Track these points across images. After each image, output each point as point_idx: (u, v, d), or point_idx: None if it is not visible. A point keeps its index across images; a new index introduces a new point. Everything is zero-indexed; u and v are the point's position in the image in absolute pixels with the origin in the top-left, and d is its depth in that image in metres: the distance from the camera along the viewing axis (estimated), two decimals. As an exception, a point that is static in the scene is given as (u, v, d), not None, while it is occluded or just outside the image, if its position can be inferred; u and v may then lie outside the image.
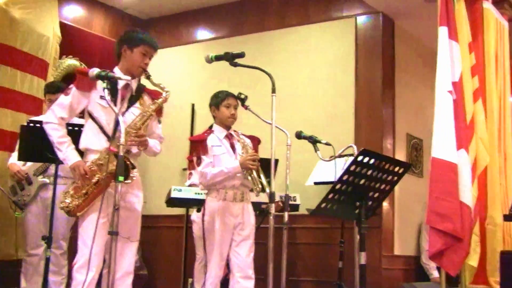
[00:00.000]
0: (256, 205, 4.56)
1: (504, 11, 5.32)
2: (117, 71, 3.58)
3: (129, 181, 3.34)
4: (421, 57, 6.49)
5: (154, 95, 3.70)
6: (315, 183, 5.38)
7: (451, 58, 4.00)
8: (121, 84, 3.52)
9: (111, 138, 3.46)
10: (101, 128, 3.51)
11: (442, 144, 3.76)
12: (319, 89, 6.22)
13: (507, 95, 4.85)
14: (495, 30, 4.65)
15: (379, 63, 5.99)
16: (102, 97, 3.46)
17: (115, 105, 3.43)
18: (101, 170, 3.41)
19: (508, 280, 3.64)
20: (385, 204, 5.72)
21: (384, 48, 6.03)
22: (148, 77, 3.62)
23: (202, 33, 7.25)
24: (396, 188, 5.82)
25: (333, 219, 5.34)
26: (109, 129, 3.50)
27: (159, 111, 3.72)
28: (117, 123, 3.39)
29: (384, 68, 5.99)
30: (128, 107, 3.59)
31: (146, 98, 3.72)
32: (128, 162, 3.34)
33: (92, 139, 3.53)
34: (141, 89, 3.69)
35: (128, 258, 3.55)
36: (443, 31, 4.01)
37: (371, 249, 5.52)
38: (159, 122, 3.84)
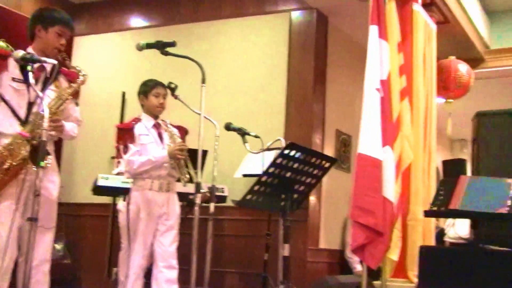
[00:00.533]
0: (183, 196, 4.54)
1: (433, 14, 5.48)
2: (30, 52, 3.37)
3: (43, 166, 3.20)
4: (353, 54, 6.59)
5: (71, 77, 3.56)
6: (244, 175, 5.40)
7: (380, 56, 4.07)
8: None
9: (24, 122, 3.32)
10: (13, 111, 3.35)
11: (368, 141, 3.82)
12: (251, 82, 6.25)
13: (433, 96, 4.98)
14: (423, 32, 4.77)
15: (312, 59, 6.05)
16: (14, 79, 3.32)
17: (29, 88, 3.28)
18: (13, 155, 3.25)
19: (425, 273, 3.73)
20: (312, 198, 5.80)
21: (317, 44, 6.10)
22: (64, 59, 3.49)
23: (135, 21, 7.14)
24: (324, 182, 5.96)
25: (260, 211, 5.37)
26: (22, 113, 3.34)
27: (75, 94, 3.58)
28: (30, 107, 3.27)
29: (316, 64, 6.06)
30: (42, 89, 3.37)
31: (62, 80, 3.57)
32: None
33: (4, 122, 3.36)
34: (56, 71, 3.46)
35: (44, 245, 3.43)
36: (373, 30, 4.08)
37: (296, 242, 5.60)
38: (77, 104, 3.70)
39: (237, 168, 5.54)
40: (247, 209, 5.56)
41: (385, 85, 4.00)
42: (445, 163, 7.27)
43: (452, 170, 5.97)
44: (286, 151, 3.08)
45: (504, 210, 3.25)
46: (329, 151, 6.13)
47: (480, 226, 3.47)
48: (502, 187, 3.37)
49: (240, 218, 5.96)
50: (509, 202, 3.27)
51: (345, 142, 6.48)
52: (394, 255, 4.08)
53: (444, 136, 8.81)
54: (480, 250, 3.53)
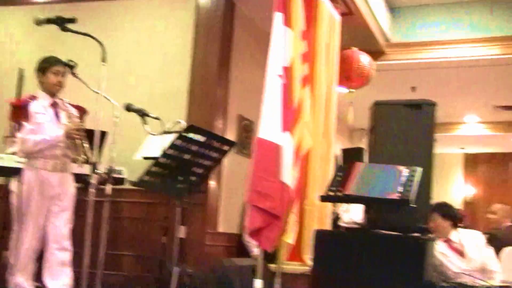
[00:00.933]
0: (79, 177, 4.43)
1: (337, 5, 5.60)
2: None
3: None
4: (258, 41, 6.62)
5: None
6: (144, 158, 5.32)
7: (283, 43, 4.12)
8: None
9: None
10: None
11: (268, 126, 3.86)
12: (155, 64, 6.17)
13: (334, 85, 5.10)
14: (327, 22, 4.87)
15: (217, 44, 6.03)
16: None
17: None
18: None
19: (319, 256, 3.83)
20: (212, 183, 5.80)
21: (223, 29, 6.08)
22: None
23: (36, -4, 6.88)
24: (224, 167, 5.97)
25: (159, 194, 5.32)
26: None
27: None
28: None
29: (222, 49, 6.05)
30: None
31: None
32: None
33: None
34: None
35: None
36: (278, 17, 4.11)
37: (195, 226, 5.59)
38: None
39: (137, 150, 5.46)
40: (146, 192, 5.49)
41: (287, 71, 4.05)
42: (345, 151, 7.47)
43: (350, 158, 6.14)
44: (185, 133, 3.06)
45: (395, 196, 3.38)
46: (231, 136, 6.15)
47: (372, 211, 3.58)
48: (394, 174, 3.50)
49: (139, 201, 5.89)
50: (400, 188, 3.40)
51: (247, 128, 6.52)
52: (290, 238, 4.16)
53: (344, 125, 9.06)
54: (371, 234, 3.66)
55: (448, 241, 4.95)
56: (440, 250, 4.77)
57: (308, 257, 4.37)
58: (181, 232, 3.31)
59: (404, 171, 3.51)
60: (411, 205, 3.34)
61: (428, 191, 3.91)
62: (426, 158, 3.87)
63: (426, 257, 3.79)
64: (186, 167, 3.18)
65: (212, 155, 3.27)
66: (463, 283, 4.30)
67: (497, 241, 6.05)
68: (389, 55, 7.68)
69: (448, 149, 15.07)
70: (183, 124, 4.29)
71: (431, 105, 3.95)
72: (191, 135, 3.05)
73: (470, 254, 4.88)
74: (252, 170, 3.87)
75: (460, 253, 4.90)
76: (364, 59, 6.26)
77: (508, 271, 5.23)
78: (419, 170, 3.51)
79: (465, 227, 5.56)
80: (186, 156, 3.11)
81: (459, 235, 4.97)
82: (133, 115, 4.55)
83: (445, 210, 5.04)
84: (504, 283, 4.37)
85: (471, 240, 4.98)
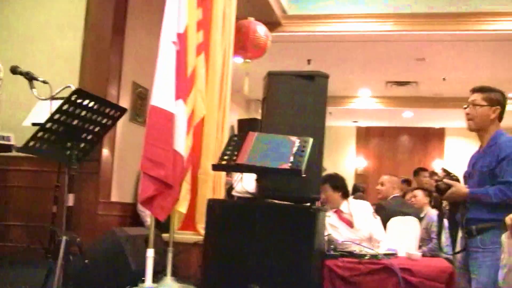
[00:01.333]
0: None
1: (234, -26, 5.56)
2: None
3: None
4: (154, 8, 6.46)
5: None
6: (33, 124, 5.11)
7: (178, 10, 4.04)
8: None
9: None
10: None
11: (161, 93, 3.81)
12: (45, 26, 5.91)
13: (230, 54, 5.08)
14: (224, -10, 4.82)
15: (111, 9, 5.83)
16: None
17: None
18: None
19: (211, 225, 3.85)
20: (105, 151, 5.67)
21: (118, -6, 5.91)
22: None
23: None
24: (118, 135, 5.85)
25: (49, 162, 5.15)
26: None
27: None
28: None
29: (116, 14, 5.86)
30: None
31: None
32: None
33: None
34: None
35: None
36: (173, -17, 4.04)
37: (87, 195, 5.47)
38: None
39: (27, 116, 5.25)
40: (36, 159, 5.31)
41: (182, 38, 3.99)
42: (240, 122, 7.50)
43: (246, 128, 6.17)
44: (73, 97, 2.95)
45: (287, 166, 3.42)
46: (125, 103, 6.01)
47: (264, 181, 3.62)
48: (286, 144, 3.54)
49: (28, 169, 5.67)
50: (291, 158, 3.44)
51: (141, 96, 6.39)
52: (182, 207, 4.14)
53: (241, 95, 9.09)
54: (263, 204, 3.70)
55: (338, 212, 5.09)
56: (329, 221, 4.91)
57: (201, 226, 4.37)
58: (70, 200, 3.21)
59: (296, 141, 3.55)
60: (302, 175, 3.39)
61: (319, 162, 3.99)
62: (318, 129, 3.95)
63: (316, 226, 3.89)
64: (75, 133, 3.07)
65: (102, 121, 3.17)
66: (351, 251, 4.44)
67: (384, 211, 6.30)
68: (285, 27, 7.74)
69: (342, 122, 15.51)
70: (73, 88, 4.13)
71: (324, 77, 4.01)
72: (79, 100, 2.95)
73: (358, 224, 5.05)
74: (145, 138, 3.81)
75: (349, 223, 5.06)
76: (261, 29, 6.26)
77: (393, 240, 5.46)
78: (310, 140, 3.56)
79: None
80: (75, 122, 3.01)
81: (349, 205, 5.13)
82: (21, 81, 4.35)
83: (336, 182, 5.17)
84: (389, 251, 4.55)
85: (360, 210, 5.15)
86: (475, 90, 3.90)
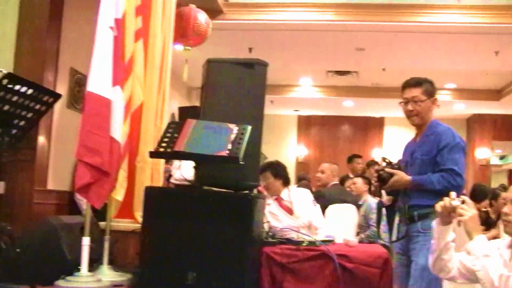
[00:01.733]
0: None
1: (175, -40, 5.49)
2: None
3: None
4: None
5: None
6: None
7: (116, -5, 3.98)
8: None
9: None
10: None
11: (98, 79, 3.74)
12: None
13: (170, 41, 5.03)
14: (164, -25, 4.76)
15: (47, -9, 5.71)
16: None
17: None
18: None
19: (149, 213, 3.81)
20: (41, 138, 5.55)
21: (54, -23, 5.76)
22: None
23: None
24: (55, 122, 5.73)
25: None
26: None
27: None
28: None
29: (54, -3, 5.74)
30: None
31: None
32: None
33: None
34: None
35: None
36: (111, -33, 3.96)
37: (23, 183, 5.35)
38: None
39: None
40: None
41: (120, 24, 3.92)
42: (181, 109, 7.47)
43: (187, 116, 6.13)
44: (4, 82, 2.88)
45: (224, 153, 3.42)
46: (62, 89, 5.89)
47: (202, 168, 3.61)
48: (224, 132, 3.54)
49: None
50: (229, 146, 3.45)
51: (79, 82, 6.27)
52: (119, 195, 4.10)
53: (183, 83, 9.03)
54: (200, 191, 3.69)
55: (278, 199, 5.13)
56: (269, 209, 4.94)
57: (139, 214, 4.33)
58: (1, 188, 3.13)
59: (235, 129, 3.56)
60: (240, 162, 3.40)
61: (257, 149, 4.00)
62: (257, 117, 3.95)
63: (255, 213, 3.91)
64: (5, 119, 2.99)
65: (35, 107, 3.10)
66: (289, 238, 4.48)
67: (323, 199, 6.38)
68: (227, 15, 7.72)
69: (283, 111, 15.60)
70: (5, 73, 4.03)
71: (263, 65, 4.02)
72: (10, 85, 2.87)
73: (298, 211, 5.10)
74: (81, 125, 3.75)
75: (289, 211, 5.11)
76: (201, 17, 6.22)
77: (332, 227, 5.54)
78: (249, 128, 3.57)
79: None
80: (6, 107, 2.93)
81: (289, 193, 5.17)
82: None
83: (277, 170, 5.21)
84: (326, 238, 4.61)
85: (300, 198, 5.21)
86: (410, 85, 3.97)
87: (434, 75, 4.11)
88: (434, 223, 3.01)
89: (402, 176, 3.86)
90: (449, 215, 2.91)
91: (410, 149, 4.06)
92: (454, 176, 3.73)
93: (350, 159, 9.21)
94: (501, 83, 12.75)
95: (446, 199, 2.91)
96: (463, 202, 2.85)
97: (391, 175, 3.87)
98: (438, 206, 2.94)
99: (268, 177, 5.14)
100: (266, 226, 4.68)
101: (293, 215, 5.08)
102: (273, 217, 4.99)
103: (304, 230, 4.81)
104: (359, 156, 9.29)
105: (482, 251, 2.77)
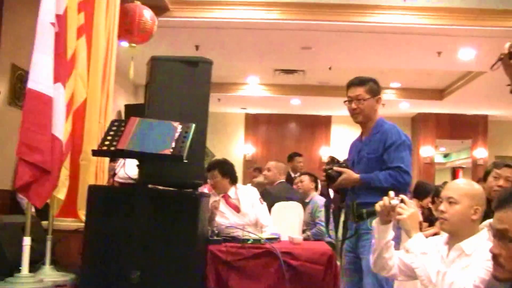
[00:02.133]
0: None
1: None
2: None
3: None
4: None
5: None
6: None
7: (57, -10, 3.90)
8: None
9: None
10: None
11: (39, 76, 3.67)
12: None
13: (114, 38, 4.96)
14: (107, -29, 4.70)
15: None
16: None
17: None
18: None
19: (92, 212, 3.78)
20: (-19, 135, 5.44)
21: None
22: None
23: None
24: (-3, 119, 5.62)
25: None
26: None
27: None
28: None
29: (-7, -9, 5.62)
30: None
31: None
32: None
33: None
34: None
35: None
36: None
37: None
38: None
39: None
40: None
41: (61, 20, 3.85)
42: (128, 107, 7.38)
43: (133, 114, 6.06)
44: None
45: (168, 151, 3.39)
46: (4, 86, 5.78)
47: (146, 167, 3.58)
48: (168, 130, 3.51)
49: None
50: (173, 144, 3.43)
51: (21, 78, 6.15)
52: (61, 194, 4.03)
53: (129, 81, 8.94)
54: (144, 190, 3.66)
55: (225, 197, 5.14)
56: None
57: (83, 213, 4.27)
58: None
59: (179, 127, 3.54)
60: (184, 160, 3.38)
61: (202, 148, 4.00)
62: (201, 115, 3.94)
63: (199, 211, 3.90)
64: None
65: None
66: (234, 236, 4.50)
67: (270, 197, 6.42)
68: (173, 12, 7.67)
69: (231, 109, 15.61)
70: None
71: (208, 63, 4.01)
72: None
73: (245, 209, 5.13)
74: (22, 122, 3.67)
75: (236, 208, 5.12)
76: (147, 14, 6.17)
77: (278, 224, 5.59)
78: (193, 126, 3.55)
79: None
80: None
81: (236, 191, 5.19)
82: None
83: (225, 168, 5.23)
84: (272, 235, 4.64)
85: (247, 196, 5.24)
86: (354, 84, 4.03)
87: (379, 75, 4.17)
88: (374, 223, 3.06)
89: (350, 174, 3.91)
90: (388, 214, 2.96)
91: (356, 147, 4.12)
92: (402, 174, 3.80)
93: (290, 157, 9.27)
94: (444, 83, 13.05)
95: (385, 198, 2.96)
96: (401, 201, 2.91)
97: (340, 173, 3.92)
98: (378, 205, 2.99)
99: (216, 176, 5.16)
100: (212, 224, 4.69)
101: (240, 213, 5.10)
102: (220, 214, 5.00)
103: (251, 228, 4.84)
104: (299, 155, 9.36)
105: (420, 249, 2.83)
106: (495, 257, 2.22)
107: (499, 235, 2.16)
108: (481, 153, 15.69)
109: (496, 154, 15.21)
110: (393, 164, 3.81)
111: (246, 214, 5.13)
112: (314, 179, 7.43)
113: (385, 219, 2.97)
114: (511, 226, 1.89)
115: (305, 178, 7.44)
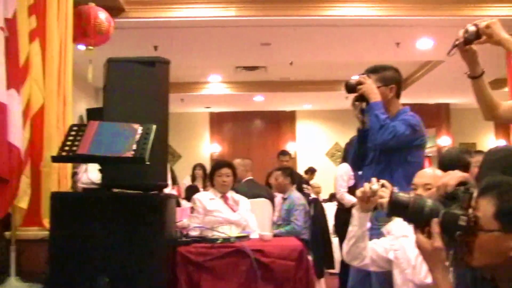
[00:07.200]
0: None
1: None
2: None
3: None
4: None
5: None
6: None
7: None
8: None
9: None
10: None
11: (-8, 83, 3.58)
12: None
13: (69, 41, 4.87)
14: (58, -26, 4.61)
15: None
16: None
17: None
18: None
19: (57, 219, 3.69)
20: None
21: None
22: None
23: None
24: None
25: None
26: None
27: None
28: None
29: None
30: None
31: None
32: None
33: None
34: None
35: None
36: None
37: None
38: None
39: None
40: None
41: (11, 24, 3.75)
42: (89, 111, 7.25)
43: (95, 117, 5.96)
44: None
45: (129, 154, 3.34)
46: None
47: (108, 170, 3.52)
48: (129, 132, 3.45)
49: None
50: (134, 146, 3.37)
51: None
52: (23, 203, 3.94)
53: (89, 84, 8.81)
54: (108, 194, 3.60)
55: (225, 197, 5.31)
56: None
57: (47, 220, 4.19)
58: None
59: (139, 129, 3.48)
60: (146, 162, 3.33)
61: (164, 148, 3.95)
62: (162, 115, 3.88)
63: (166, 213, 3.85)
64: None
65: None
66: (203, 236, 4.46)
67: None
68: (129, 13, 7.58)
69: (195, 109, 15.56)
70: None
71: (165, 62, 3.94)
72: None
73: (241, 211, 5.28)
74: (-23, 131, 3.58)
75: (233, 210, 5.24)
76: (102, 15, 6.06)
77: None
78: (153, 127, 3.50)
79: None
80: None
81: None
82: None
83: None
84: (242, 233, 4.63)
85: (244, 202, 5.40)
86: (368, 71, 3.88)
87: (343, 67, 4.13)
88: (354, 210, 3.03)
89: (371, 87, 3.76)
90: (368, 201, 2.91)
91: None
92: (402, 125, 3.64)
93: (277, 156, 9.44)
94: (404, 73, 13.15)
95: (366, 184, 2.90)
96: (382, 185, 2.87)
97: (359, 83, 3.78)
98: (358, 191, 2.94)
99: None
100: (179, 225, 4.65)
101: (236, 212, 5.23)
102: (215, 210, 5.21)
103: (237, 228, 4.90)
104: (285, 153, 9.54)
105: (401, 232, 2.84)
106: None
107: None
108: (445, 141, 15.89)
109: (460, 141, 15.43)
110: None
111: (241, 214, 5.30)
112: (289, 173, 7.37)
113: (365, 206, 2.94)
114: (483, 216, 1.90)
115: (279, 174, 7.35)
